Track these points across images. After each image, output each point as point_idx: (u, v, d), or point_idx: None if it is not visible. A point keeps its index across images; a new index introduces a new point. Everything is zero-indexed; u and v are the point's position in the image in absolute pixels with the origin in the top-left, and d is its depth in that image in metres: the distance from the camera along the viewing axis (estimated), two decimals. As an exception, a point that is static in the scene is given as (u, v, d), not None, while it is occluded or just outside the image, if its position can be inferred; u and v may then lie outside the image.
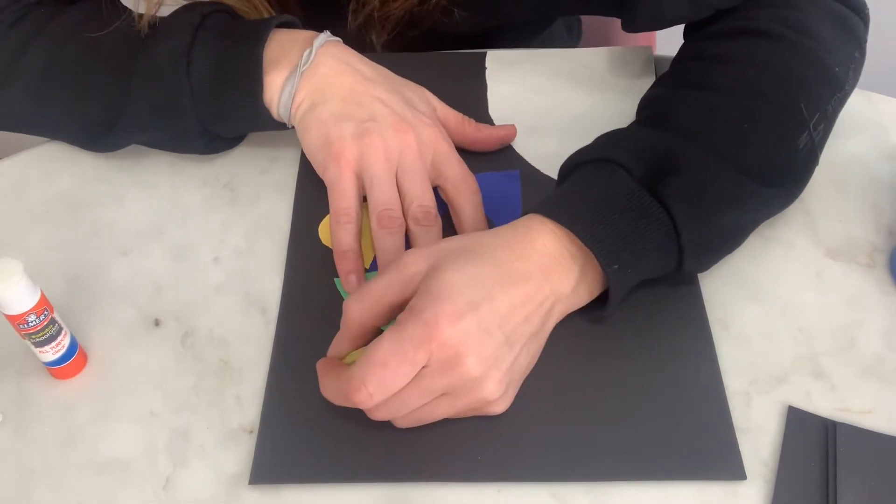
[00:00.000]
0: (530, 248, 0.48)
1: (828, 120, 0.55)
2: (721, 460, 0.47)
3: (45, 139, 0.64)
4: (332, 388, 0.47)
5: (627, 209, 0.48)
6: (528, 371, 0.49)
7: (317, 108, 0.56)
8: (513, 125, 0.62)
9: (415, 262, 0.47)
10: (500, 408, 0.47)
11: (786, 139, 0.53)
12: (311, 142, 0.56)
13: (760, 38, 0.57)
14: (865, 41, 0.60)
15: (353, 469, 0.47)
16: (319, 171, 0.56)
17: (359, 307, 0.47)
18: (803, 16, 0.57)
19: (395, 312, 0.48)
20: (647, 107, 0.58)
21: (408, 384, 0.44)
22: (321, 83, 0.56)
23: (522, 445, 0.48)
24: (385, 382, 0.44)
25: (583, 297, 0.50)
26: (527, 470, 0.47)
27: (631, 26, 0.62)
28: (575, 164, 0.52)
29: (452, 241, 0.49)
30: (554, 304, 0.48)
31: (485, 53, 0.68)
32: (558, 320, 0.50)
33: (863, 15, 0.60)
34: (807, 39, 0.56)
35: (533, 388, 0.49)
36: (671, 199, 0.48)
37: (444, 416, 0.47)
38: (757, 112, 0.53)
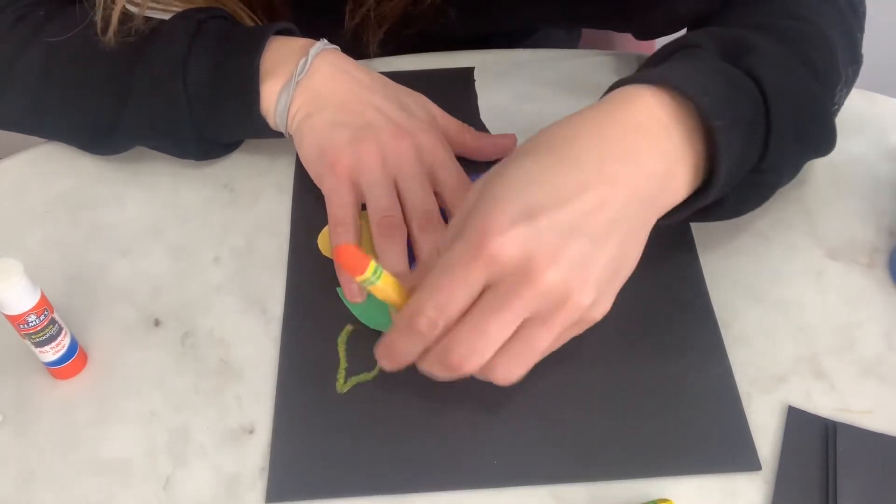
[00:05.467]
0: (613, 122, 0.43)
1: (847, 86, 0.54)
2: (735, 451, 0.47)
3: (46, 139, 0.64)
4: (391, 343, 0.43)
5: (719, 77, 0.46)
6: (625, 271, 0.43)
7: (312, 117, 0.55)
8: (513, 135, 0.61)
9: (472, 192, 0.43)
10: (598, 314, 0.42)
11: (828, 85, 0.52)
12: (307, 152, 0.55)
13: None
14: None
15: (368, 481, 0.47)
16: (316, 182, 0.56)
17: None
18: None
19: None
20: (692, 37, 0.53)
21: (477, 305, 0.40)
22: (317, 92, 0.55)
23: (538, 447, 0.48)
24: (440, 304, 0.40)
25: (679, 187, 0.44)
26: (546, 472, 0.47)
27: (644, 35, 0.61)
28: (651, 63, 0.50)
29: (514, 153, 0.43)
30: (644, 197, 0.42)
31: (472, 69, 0.68)
32: (659, 213, 0.44)
33: (863, 6, 0.60)
34: (834, 4, 0.55)
35: (543, 387, 0.49)
36: (758, 70, 0.46)
37: (545, 343, 0.41)
38: (809, 38, 0.52)
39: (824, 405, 0.50)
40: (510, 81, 0.67)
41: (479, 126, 0.64)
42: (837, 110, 0.55)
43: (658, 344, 0.51)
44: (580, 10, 0.68)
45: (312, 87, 0.56)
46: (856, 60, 0.56)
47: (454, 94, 0.66)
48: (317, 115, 0.55)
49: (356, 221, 0.53)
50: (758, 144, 0.46)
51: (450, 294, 0.40)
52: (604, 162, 0.41)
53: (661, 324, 0.52)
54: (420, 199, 0.53)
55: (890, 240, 0.57)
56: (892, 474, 0.46)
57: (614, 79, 0.65)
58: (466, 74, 0.67)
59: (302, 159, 0.56)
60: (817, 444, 0.48)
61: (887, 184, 0.60)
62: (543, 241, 0.39)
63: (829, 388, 0.50)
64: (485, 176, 0.43)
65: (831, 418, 0.49)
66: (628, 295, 0.49)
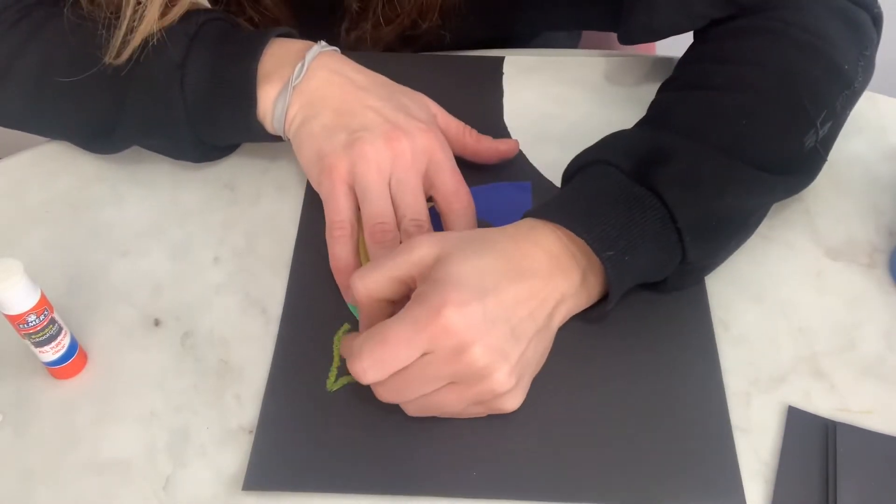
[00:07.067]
0: (535, 247, 0.48)
1: (836, 117, 0.55)
2: (721, 487, 0.46)
3: (46, 139, 0.64)
4: (345, 351, 0.49)
5: (619, 200, 0.49)
6: (537, 369, 0.49)
7: (309, 122, 0.55)
8: (515, 140, 0.61)
9: (425, 246, 0.47)
10: (512, 403, 0.47)
11: (788, 136, 0.53)
12: (305, 157, 0.55)
13: (762, 36, 0.56)
14: (876, 39, 0.59)
15: (346, 480, 0.47)
16: (315, 186, 0.56)
17: (362, 283, 0.47)
18: (807, 14, 0.57)
19: (401, 288, 0.48)
20: (648, 110, 0.58)
21: (411, 367, 0.44)
22: (312, 97, 0.55)
23: (518, 461, 0.47)
24: (381, 359, 0.44)
25: (584, 300, 0.50)
26: (522, 487, 0.46)
27: (627, 39, 0.62)
28: (573, 171, 0.53)
29: (461, 233, 0.49)
30: (559, 302, 0.48)
31: (503, 58, 0.68)
32: (563, 321, 0.50)
33: (873, 13, 0.59)
34: (811, 36, 0.56)
35: (532, 400, 0.48)
36: (662, 186, 0.48)
37: (454, 407, 0.46)
38: (756, 109, 0.53)
39: (824, 405, 0.50)
40: (539, 79, 0.66)
41: (499, 123, 0.63)
42: (829, 137, 0.55)
43: (653, 369, 0.50)
44: (584, 16, 0.68)
45: (308, 92, 0.55)
46: (849, 86, 0.56)
47: (480, 83, 0.65)
48: (313, 120, 0.55)
49: (352, 225, 0.54)
50: (673, 249, 0.49)
51: (393, 353, 0.44)
52: (535, 272, 0.47)
53: (659, 346, 0.51)
54: (411, 207, 0.53)
55: (890, 240, 0.57)
56: (892, 474, 0.46)
57: (647, 83, 0.66)
58: (495, 64, 0.67)
59: (301, 165, 0.56)
60: (817, 444, 0.48)
61: (887, 184, 0.60)
62: (481, 324, 0.44)
63: (829, 388, 0.50)
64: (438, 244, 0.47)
65: (831, 418, 0.49)
66: (624, 311, 0.51)
